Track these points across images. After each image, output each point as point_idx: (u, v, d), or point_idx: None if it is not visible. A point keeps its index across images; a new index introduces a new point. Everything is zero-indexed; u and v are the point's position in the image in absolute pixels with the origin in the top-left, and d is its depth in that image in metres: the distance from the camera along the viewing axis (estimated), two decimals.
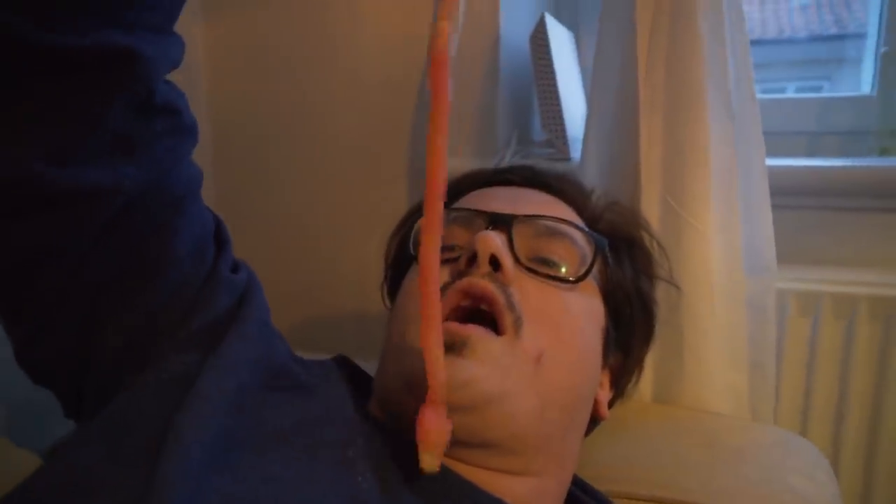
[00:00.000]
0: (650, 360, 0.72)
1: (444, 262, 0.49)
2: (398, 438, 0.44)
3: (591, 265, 0.50)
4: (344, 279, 1.01)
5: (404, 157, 0.98)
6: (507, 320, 0.44)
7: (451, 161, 0.89)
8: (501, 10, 0.92)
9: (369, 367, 0.55)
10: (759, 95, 0.77)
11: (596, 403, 0.54)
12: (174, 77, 0.45)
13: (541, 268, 0.49)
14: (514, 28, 0.96)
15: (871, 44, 1.13)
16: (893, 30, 1.07)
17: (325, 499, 0.38)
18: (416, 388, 0.40)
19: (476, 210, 0.51)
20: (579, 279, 0.50)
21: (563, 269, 0.50)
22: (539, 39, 0.91)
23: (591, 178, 0.79)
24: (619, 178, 0.77)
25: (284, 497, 0.37)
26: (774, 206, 0.78)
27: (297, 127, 1.02)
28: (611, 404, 0.58)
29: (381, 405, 0.49)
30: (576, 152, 0.90)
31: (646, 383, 0.76)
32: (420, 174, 0.95)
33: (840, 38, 1.35)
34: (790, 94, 1.14)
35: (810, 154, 1.04)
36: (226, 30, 1.04)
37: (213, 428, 0.38)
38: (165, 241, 0.43)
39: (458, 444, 0.44)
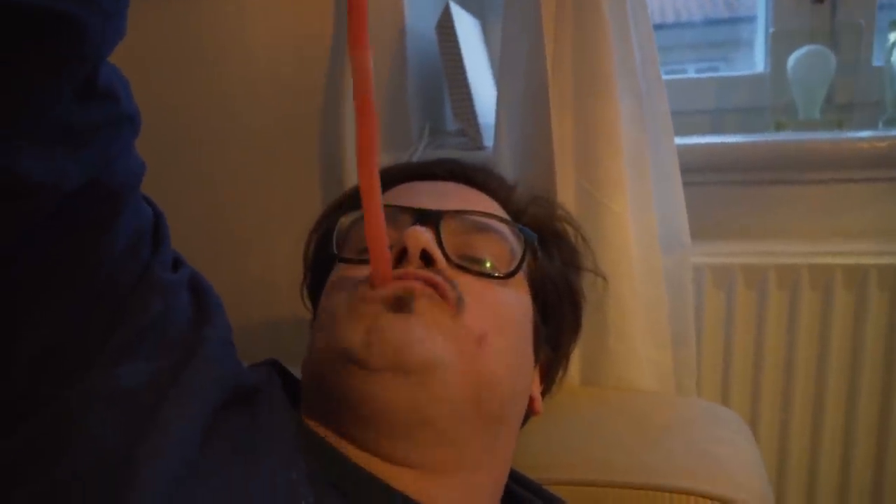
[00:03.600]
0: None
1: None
2: (340, 458, 0.43)
3: (522, 260, 0.50)
4: (253, 284, 0.97)
5: (313, 157, 0.94)
6: (450, 296, 0.44)
7: None
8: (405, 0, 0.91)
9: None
10: (662, 77, 0.79)
11: (530, 400, 0.54)
12: None
13: (471, 265, 0.48)
14: (419, 18, 0.94)
15: (760, 25, 1.18)
16: (779, 11, 1.13)
17: None
18: (358, 409, 0.42)
19: (401, 206, 0.50)
20: (511, 274, 0.49)
21: (490, 265, 0.49)
22: (445, 28, 0.90)
23: (506, 166, 0.78)
24: (533, 163, 0.77)
25: None
26: (682, 184, 0.80)
27: (186, 130, 0.96)
28: (541, 396, 0.58)
29: (319, 418, 0.46)
30: (489, 140, 0.90)
31: (573, 367, 0.76)
32: (329, 173, 0.93)
33: (733, 21, 1.41)
34: (690, 75, 1.18)
35: (713, 132, 1.08)
36: None
37: (172, 461, 0.35)
38: (98, 237, 0.39)
39: (389, 430, 0.43)
